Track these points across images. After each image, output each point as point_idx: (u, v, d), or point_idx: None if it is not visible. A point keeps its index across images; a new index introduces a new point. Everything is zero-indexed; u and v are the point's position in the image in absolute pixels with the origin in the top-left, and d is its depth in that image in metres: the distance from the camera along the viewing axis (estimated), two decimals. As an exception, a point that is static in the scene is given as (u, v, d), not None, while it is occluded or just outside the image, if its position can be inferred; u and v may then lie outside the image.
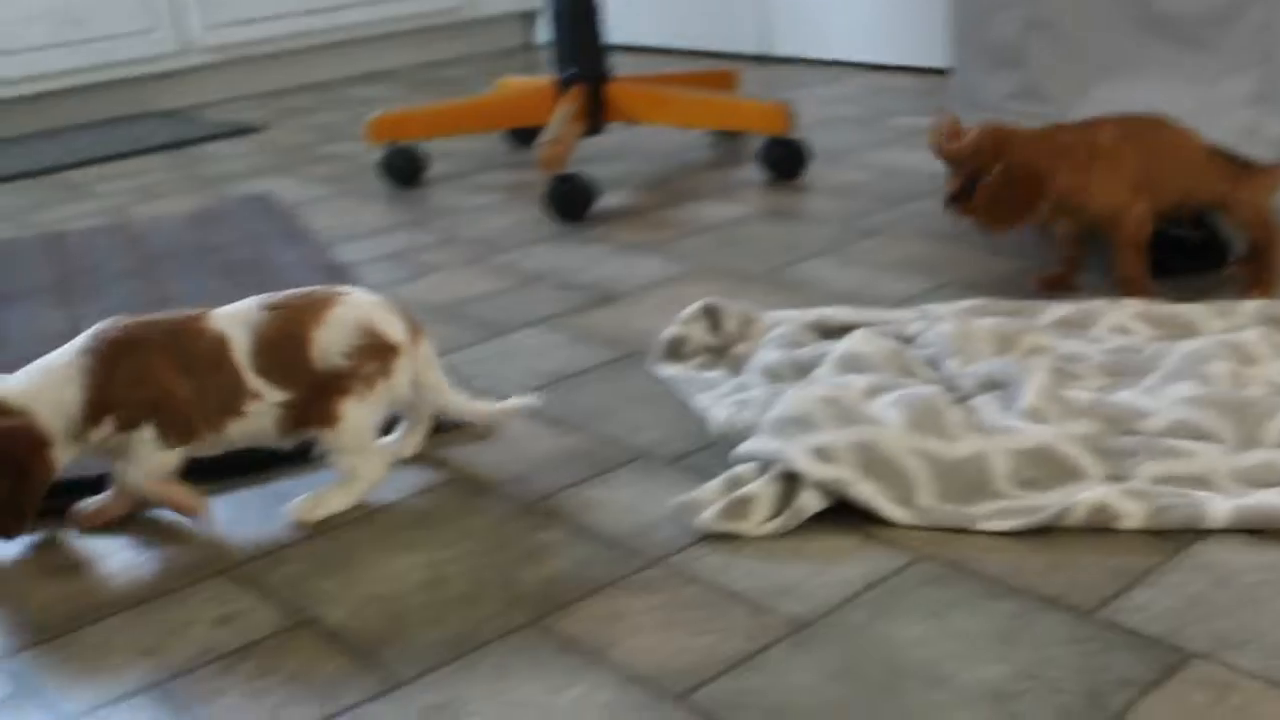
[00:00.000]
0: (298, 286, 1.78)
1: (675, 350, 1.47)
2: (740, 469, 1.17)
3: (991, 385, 1.29)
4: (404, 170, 2.38)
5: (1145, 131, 1.53)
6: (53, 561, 1.18)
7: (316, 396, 1.20)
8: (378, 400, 1.22)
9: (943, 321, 1.39)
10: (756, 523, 1.12)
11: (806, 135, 2.55)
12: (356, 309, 1.23)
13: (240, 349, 1.19)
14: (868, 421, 1.17)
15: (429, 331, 1.30)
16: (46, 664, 1.03)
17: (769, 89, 2.99)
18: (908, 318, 1.47)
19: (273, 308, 1.22)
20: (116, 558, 1.18)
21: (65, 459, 1.18)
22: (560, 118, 2.19)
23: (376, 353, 1.21)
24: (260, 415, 1.20)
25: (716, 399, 1.34)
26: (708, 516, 1.12)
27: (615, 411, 1.38)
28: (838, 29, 3.20)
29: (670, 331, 1.47)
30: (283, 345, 1.20)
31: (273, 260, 1.94)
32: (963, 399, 1.29)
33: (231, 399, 1.19)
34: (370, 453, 1.22)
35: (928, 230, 1.91)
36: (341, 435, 1.21)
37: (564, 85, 2.31)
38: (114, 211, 2.35)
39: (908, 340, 1.42)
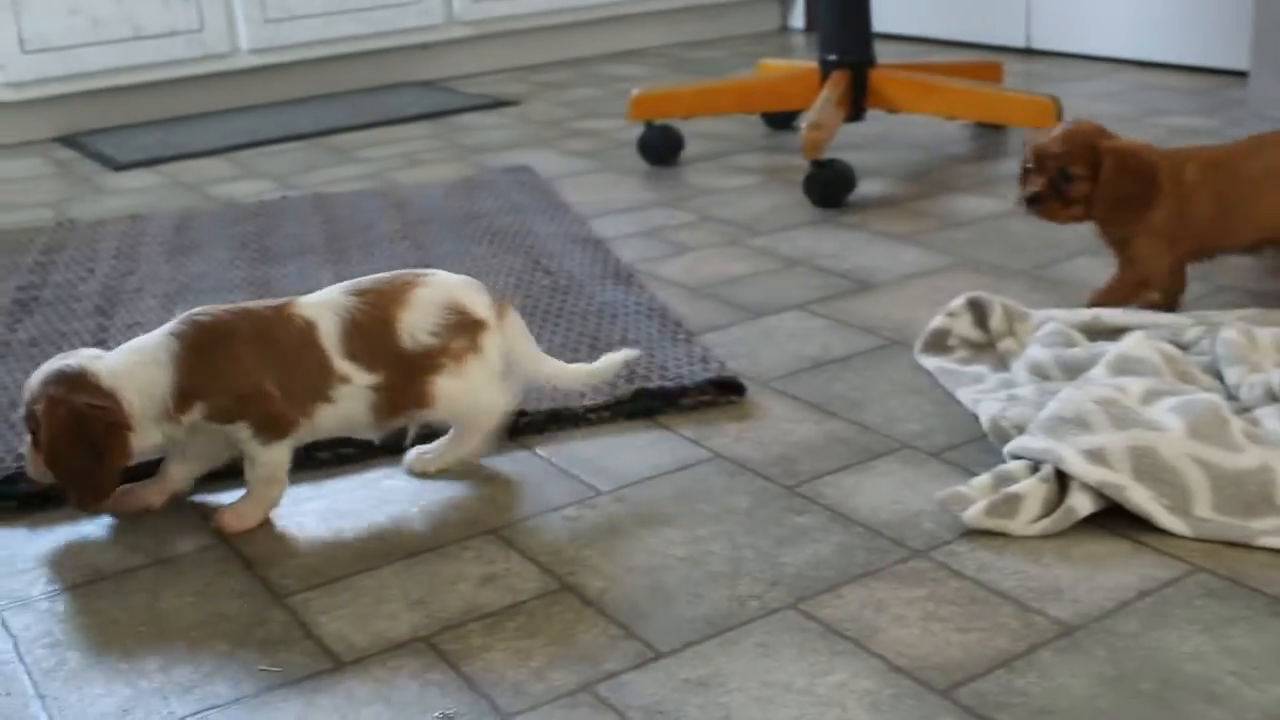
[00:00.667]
0: (557, 257, 1.81)
1: (938, 342, 1.45)
2: (1009, 466, 1.15)
3: (1276, 397, 1.24)
4: (661, 149, 2.39)
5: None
6: (332, 507, 1.23)
7: (408, 378, 1.21)
8: (470, 374, 1.22)
9: (1224, 328, 1.34)
10: (1025, 522, 1.10)
11: (1071, 131, 2.48)
12: (440, 288, 1.23)
13: (328, 334, 1.19)
14: (1145, 425, 1.13)
15: (687, 310, 1.31)
16: (324, 606, 1.06)
17: (1031, 83, 2.93)
18: (1184, 323, 1.42)
19: (358, 293, 1.22)
20: (387, 509, 1.22)
21: (152, 440, 1.19)
22: (822, 102, 2.17)
23: (464, 329, 1.22)
24: (351, 399, 1.20)
25: (983, 393, 1.32)
26: (974, 512, 1.10)
27: (876, 400, 1.37)
28: (1104, 23, 3.11)
29: (935, 323, 1.45)
30: (370, 328, 1.20)
31: (533, 230, 1.97)
32: (1244, 409, 1.24)
33: (320, 384, 1.19)
34: (479, 408, 1.24)
35: (1200, 234, 1.84)
36: (439, 412, 1.23)
37: (827, 70, 2.30)
38: (378, 176, 2.42)
39: (1184, 346, 1.38)
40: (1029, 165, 1.49)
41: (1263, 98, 1.71)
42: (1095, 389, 1.18)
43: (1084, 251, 1.79)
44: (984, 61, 2.54)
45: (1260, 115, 1.72)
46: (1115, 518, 1.11)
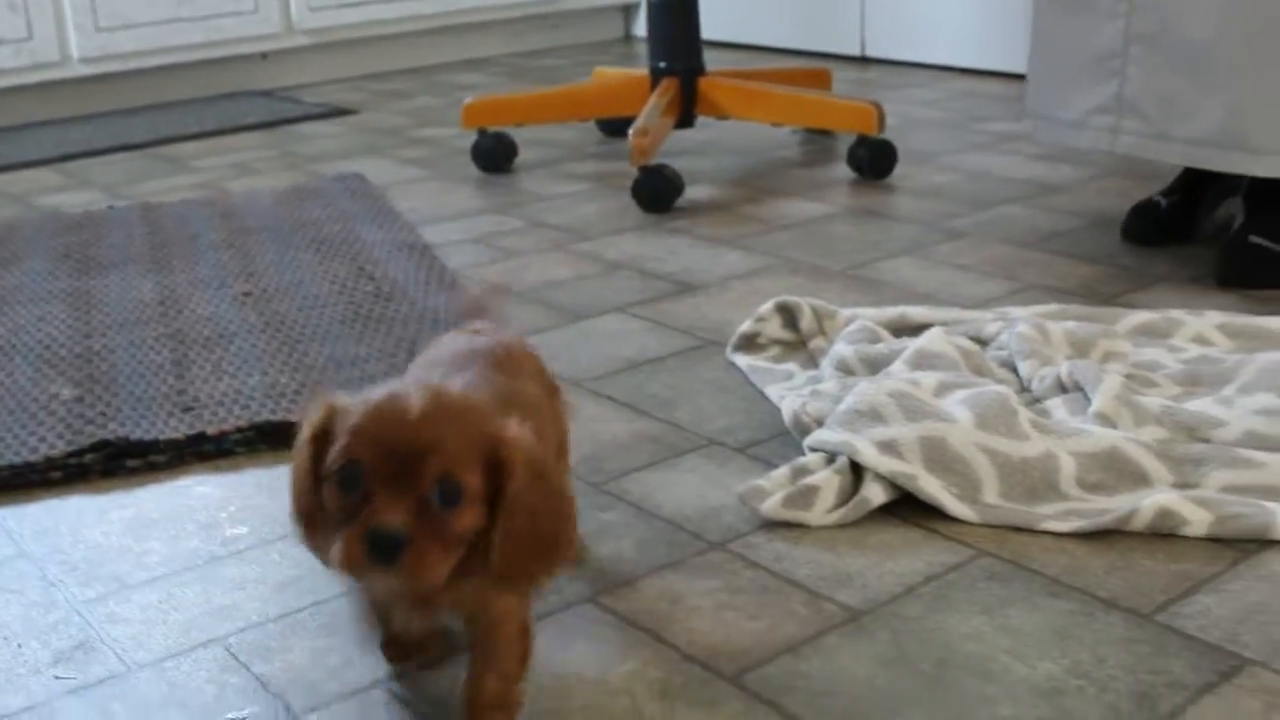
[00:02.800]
0: (382, 264, 1.81)
1: (750, 343, 1.48)
2: (806, 459, 1.18)
3: (1064, 388, 1.28)
4: (495, 156, 2.40)
5: None
6: (140, 515, 1.22)
7: None
8: None
9: (1019, 324, 1.39)
10: (820, 512, 1.13)
11: (898, 136, 2.54)
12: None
13: None
14: (937, 417, 1.17)
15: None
16: (120, 613, 1.06)
17: (863, 90, 2.99)
18: (985, 319, 1.47)
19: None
20: (196, 515, 1.21)
21: None
22: (650, 109, 2.20)
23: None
24: None
25: (789, 390, 1.35)
26: (772, 504, 1.13)
27: (688, 398, 1.40)
28: (934, 32, 3.19)
29: (746, 326, 1.48)
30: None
31: (361, 238, 1.97)
32: (1035, 401, 1.29)
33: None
34: None
35: (1011, 234, 1.91)
36: None
37: (657, 77, 2.33)
38: (210, 186, 2.40)
39: (984, 341, 1.42)
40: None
41: (1045, 100, 1.77)
42: (889, 383, 1.22)
43: (902, 253, 1.84)
44: (814, 68, 2.60)
45: (1051, 120, 1.78)
46: (909, 507, 1.15)
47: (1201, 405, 1.24)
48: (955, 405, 1.20)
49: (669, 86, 2.29)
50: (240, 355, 1.53)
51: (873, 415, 1.18)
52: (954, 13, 3.13)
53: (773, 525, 1.14)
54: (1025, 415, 1.19)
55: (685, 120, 2.34)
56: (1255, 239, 1.65)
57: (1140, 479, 1.15)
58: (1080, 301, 1.62)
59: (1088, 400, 1.24)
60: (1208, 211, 1.83)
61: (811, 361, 1.44)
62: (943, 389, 1.23)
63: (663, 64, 2.33)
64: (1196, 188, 1.82)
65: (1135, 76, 1.66)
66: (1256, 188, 1.71)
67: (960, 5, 3.11)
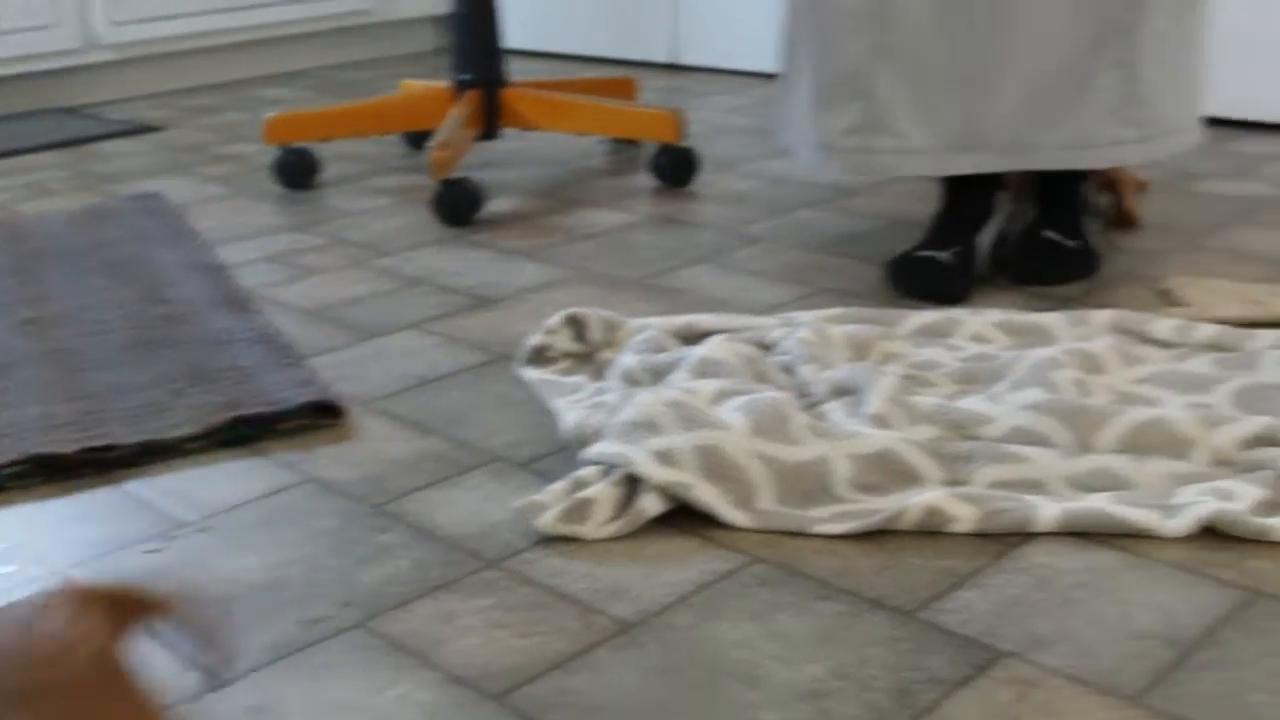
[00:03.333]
0: (175, 285, 1.78)
1: (539, 356, 1.47)
2: (583, 472, 1.18)
3: (842, 391, 1.30)
4: (297, 172, 2.37)
5: None
6: (-108, 561, 1.18)
7: None
8: None
9: (801, 328, 1.40)
10: (596, 525, 1.13)
11: (703, 143, 2.57)
12: None
13: None
14: (712, 425, 1.18)
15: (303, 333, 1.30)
16: None
17: (672, 97, 3.01)
18: (770, 325, 1.49)
19: None
20: None
21: None
22: (451, 122, 2.19)
23: None
24: None
25: (572, 403, 1.35)
26: (547, 519, 1.13)
27: (475, 415, 1.39)
28: (742, 39, 3.22)
29: (534, 339, 1.48)
30: None
31: (154, 259, 1.93)
32: (814, 404, 1.31)
33: None
34: None
35: (807, 239, 1.93)
36: None
37: (460, 89, 2.32)
38: (1, 208, 2.33)
39: (767, 347, 1.44)
40: None
41: (796, 122, 1.76)
42: (666, 392, 1.23)
43: (699, 260, 1.86)
44: (619, 77, 2.60)
45: (803, 142, 1.76)
46: (686, 516, 1.15)
47: (972, 403, 1.27)
48: (731, 412, 1.21)
49: (471, 99, 2.28)
50: (19, 385, 1.49)
51: (649, 426, 1.18)
52: (763, 20, 3.17)
53: (550, 540, 1.13)
54: (801, 420, 1.21)
55: (489, 132, 2.33)
56: (1048, 234, 1.70)
57: (912, 478, 1.18)
58: (870, 304, 1.65)
59: (864, 402, 1.26)
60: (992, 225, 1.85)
61: (600, 373, 1.44)
62: (720, 396, 1.25)
63: (464, 76, 2.32)
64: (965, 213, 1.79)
65: (882, 92, 1.65)
66: (1047, 185, 1.76)
67: (769, 12, 3.15)
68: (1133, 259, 1.81)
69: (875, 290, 1.71)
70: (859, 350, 1.39)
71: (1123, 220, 1.95)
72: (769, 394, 1.23)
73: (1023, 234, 1.73)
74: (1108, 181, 1.95)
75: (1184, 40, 1.69)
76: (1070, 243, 1.69)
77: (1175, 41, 1.67)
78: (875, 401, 1.24)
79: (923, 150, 1.65)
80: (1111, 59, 1.62)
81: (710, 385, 1.26)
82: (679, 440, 1.16)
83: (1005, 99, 1.61)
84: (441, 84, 2.42)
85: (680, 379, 1.31)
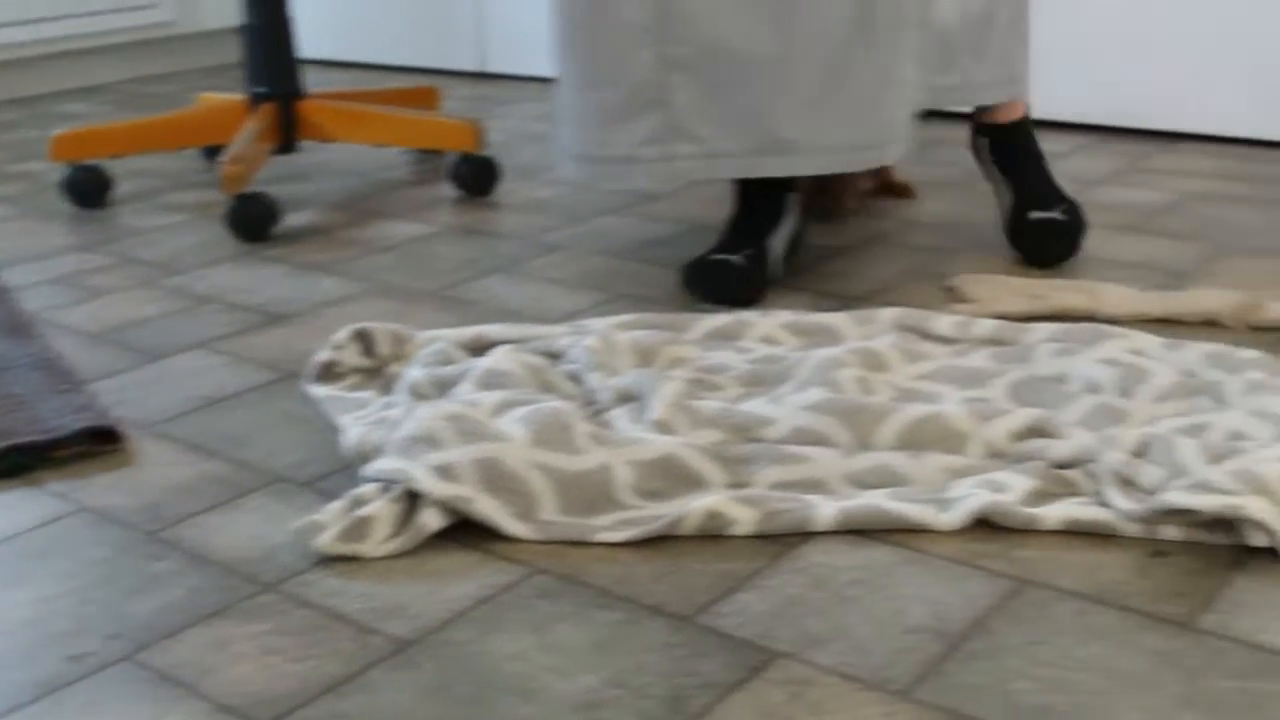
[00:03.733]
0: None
1: (328, 372, 1.45)
2: (363, 489, 1.16)
3: (627, 398, 1.31)
4: (87, 190, 2.30)
5: None
6: None
7: None
8: None
9: (587, 336, 1.40)
10: (376, 543, 1.11)
11: (508, 151, 2.56)
12: None
13: None
14: (492, 438, 1.17)
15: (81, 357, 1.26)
16: None
17: (479, 106, 3.00)
18: (560, 333, 1.48)
19: None
20: None
21: None
22: (245, 136, 2.15)
23: None
24: None
25: (357, 419, 1.33)
26: (326, 538, 1.11)
27: (260, 435, 1.36)
28: (549, 47, 3.22)
29: (321, 355, 1.46)
30: None
31: (-69, 287, 1.86)
32: (600, 412, 1.31)
33: None
34: None
35: (607, 246, 1.94)
36: None
37: (255, 102, 2.27)
38: None
39: (556, 356, 1.43)
40: None
41: (585, 138, 1.74)
42: (446, 406, 1.21)
43: (497, 269, 1.85)
44: (421, 87, 2.58)
45: (594, 160, 1.75)
46: (469, 530, 1.14)
47: (754, 405, 1.28)
48: (512, 423, 1.20)
49: (266, 112, 2.24)
50: None
51: (429, 440, 1.17)
52: (565, 26, 3.17)
53: (330, 561, 1.12)
54: (583, 428, 1.21)
55: (286, 146, 2.29)
56: (1034, 215, 1.77)
57: (695, 482, 1.18)
58: (666, 309, 1.65)
59: (647, 408, 1.26)
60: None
61: (388, 388, 1.42)
62: (502, 408, 1.24)
63: (259, 89, 2.28)
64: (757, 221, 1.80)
65: (679, 102, 1.65)
66: (1011, 168, 1.84)
67: (571, 18, 3.15)
68: (923, 256, 1.85)
69: (672, 295, 1.72)
70: (645, 356, 1.40)
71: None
72: (551, 404, 1.22)
73: (1011, 221, 1.80)
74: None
75: (1010, 15, 1.76)
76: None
77: (978, 23, 1.73)
78: (658, 407, 1.25)
79: (729, 154, 1.66)
80: (908, 53, 1.65)
81: (492, 397, 1.25)
82: (459, 454, 1.15)
83: (805, 100, 1.62)
84: (236, 97, 2.37)
85: (465, 391, 1.30)
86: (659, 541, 1.13)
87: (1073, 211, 1.78)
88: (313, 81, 3.28)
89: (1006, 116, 1.85)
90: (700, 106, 1.64)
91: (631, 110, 1.67)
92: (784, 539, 1.12)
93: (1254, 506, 1.06)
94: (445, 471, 1.14)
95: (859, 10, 1.61)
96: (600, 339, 1.39)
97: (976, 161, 1.91)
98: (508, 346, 1.38)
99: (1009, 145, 1.84)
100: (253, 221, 2.03)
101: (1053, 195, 1.80)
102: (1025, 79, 1.85)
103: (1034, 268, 1.78)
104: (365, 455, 1.24)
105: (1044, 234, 1.77)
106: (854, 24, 1.61)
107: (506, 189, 2.28)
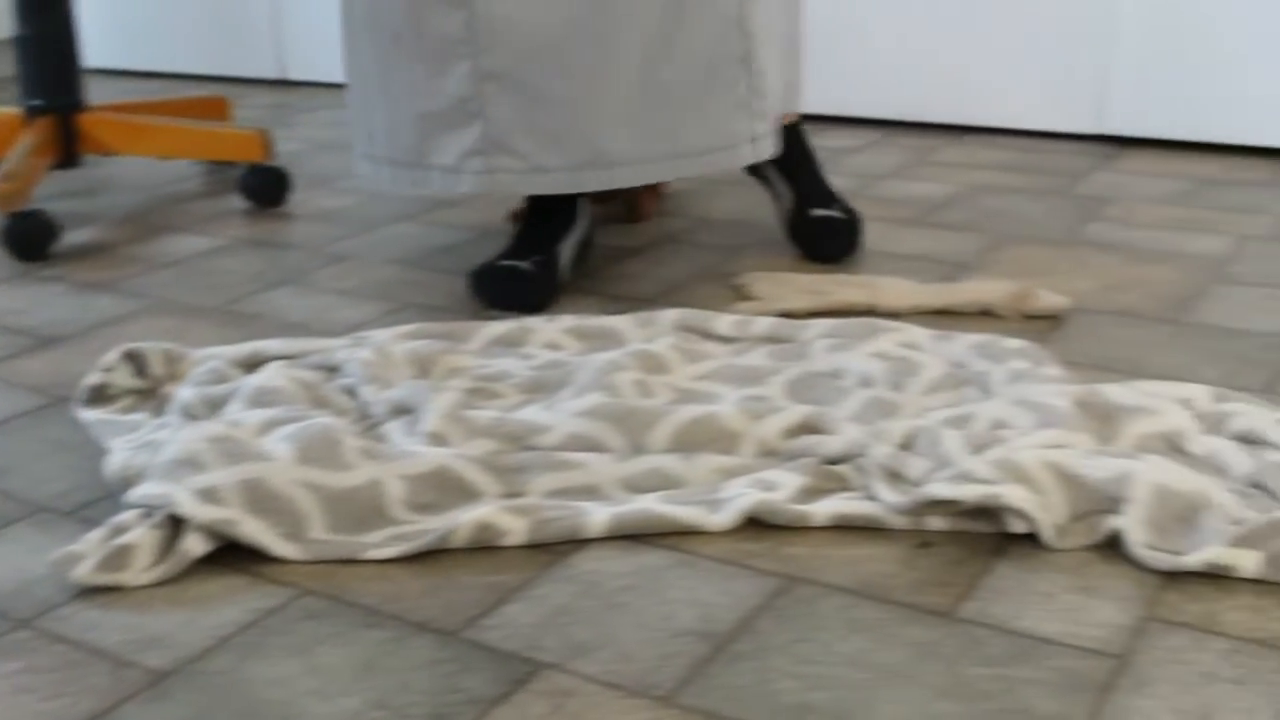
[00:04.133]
0: None
1: (98, 396, 1.41)
2: (123, 516, 1.13)
3: (401, 411, 1.29)
4: None
5: None
6: None
7: None
8: None
9: (362, 349, 1.38)
10: (137, 572, 1.08)
11: (303, 160, 2.52)
12: None
13: None
14: (256, 458, 1.15)
15: None
16: None
17: (278, 114, 2.95)
18: (337, 346, 1.46)
19: None
20: None
21: None
22: (19, 152, 2.08)
23: None
24: None
25: (127, 443, 1.29)
26: (84, 569, 1.07)
27: (25, 464, 1.31)
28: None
29: (91, 379, 1.41)
30: None
31: None
32: (374, 426, 1.29)
33: None
34: None
35: (397, 254, 1.92)
36: None
37: (29, 116, 2.20)
38: None
39: (334, 370, 1.41)
40: None
41: (401, 154, 1.72)
42: (210, 427, 1.19)
43: (284, 282, 1.81)
44: (211, 97, 2.53)
45: (411, 180, 1.73)
46: (236, 553, 1.12)
47: (529, 413, 1.27)
48: (278, 442, 1.18)
49: (43, 125, 2.17)
50: None
51: (192, 463, 1.14)
52: (362, 31, 3.13)
53: (90, 592, 1.08)
54: (353, 443, 1.19)
55: (67, 160, 2.23)
56: (816, 212, 1.78)
57: (469, 494, 1.17)
58: (455, 317, 1.64)
59: (421, 420, 1.25)
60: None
61: (161, 409, 1.38)
62: (268, 426, 1.21)
63: (35, 102, 2.20)
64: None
65: (497, 115, 1.64)
66: (789, 169, 1.86)
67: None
68: (712, 255, 1.86)
69: (460, 303, 1.71)
70: (422, 367, 1.38)
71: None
72: (319, 420, 1.20)
73: (793, 220, 1.83)
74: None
75: (787, 30, 1.78)
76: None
77: (778, 32, 1.74)
78: (431, 419, 1.23)
79: (551, 169, 1.65)
80: (733, 54, 1.65)
81: (257, 416, 1.22)
82: (223, 476, 1.12)
83: (624, 110, 1.62)
84: (11, 110, 2.29)
85: (234, 410, 1.27)
86: (431, 556, 1.11)
87: (849, 210, 1.81)
88: (102, 92, 3.19)
89: (784, 119, 1.87)
90: (519, 120, 1.63)
91: (453, 121, 1.65)
92: (557, 547, 1.12)
93: (1013, 494, 1.08)
94: (209, 494, 1.11)
95: (671, 14, 1.61)
96: (375, 351, 1.37)
97: (747, 167, 1.92)
98: (279, 363, 1.35)
99: (787, 146, 1.86)
100: (29, 240, 1.97)
101: (830, 194, 1.83)
102: (801, 86, 1.88)
103: (819, 264, 1.80)
104: (129, 480, 1.20)
105: (828, 230, 1.80)
106: (667, 28, 1.62)
107: (299, 199, 2.24)
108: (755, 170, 1.91)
